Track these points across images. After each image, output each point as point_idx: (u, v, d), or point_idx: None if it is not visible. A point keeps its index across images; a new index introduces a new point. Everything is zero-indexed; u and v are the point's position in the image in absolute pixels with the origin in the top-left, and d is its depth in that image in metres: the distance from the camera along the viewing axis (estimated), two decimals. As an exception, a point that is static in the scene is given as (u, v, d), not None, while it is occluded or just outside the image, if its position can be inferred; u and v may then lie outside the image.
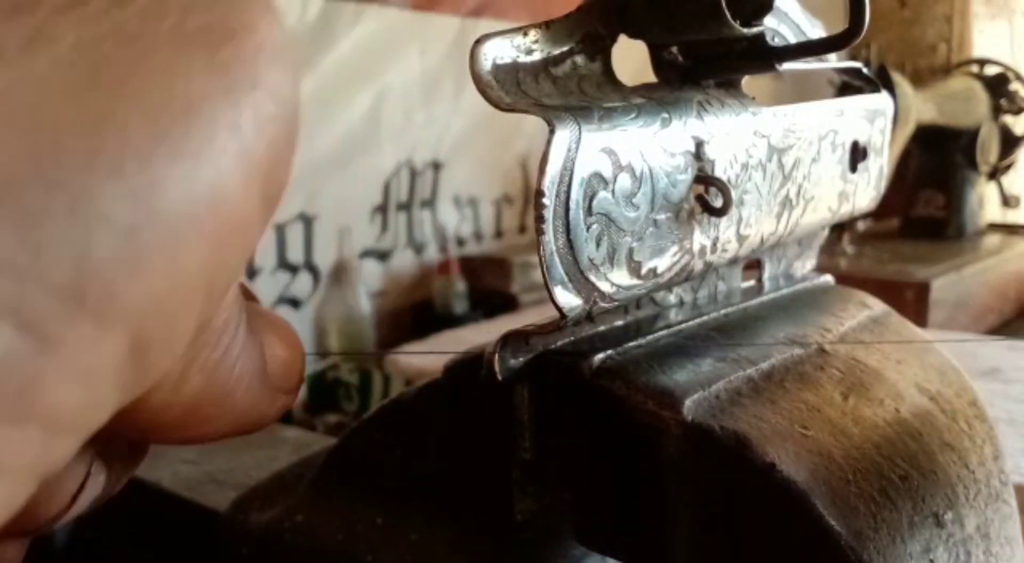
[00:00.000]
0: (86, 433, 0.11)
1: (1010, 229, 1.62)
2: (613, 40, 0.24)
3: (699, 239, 0.25)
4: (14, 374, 0.10)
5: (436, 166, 1.42)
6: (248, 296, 0.16)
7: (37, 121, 0.10)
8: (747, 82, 0.28)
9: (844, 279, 0.34)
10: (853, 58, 1.09)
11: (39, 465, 0.11)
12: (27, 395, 0.10)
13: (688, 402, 0.22)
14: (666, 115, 0.23)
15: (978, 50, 1.82)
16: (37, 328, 0.10)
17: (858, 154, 0.31)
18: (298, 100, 0.13)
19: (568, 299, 0.21)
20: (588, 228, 0.21)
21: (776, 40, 0.27)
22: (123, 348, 0.11)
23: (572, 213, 0.21)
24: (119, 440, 0.16)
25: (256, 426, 0.17)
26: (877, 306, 0.31)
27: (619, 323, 0.26)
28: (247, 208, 0.12)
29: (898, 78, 1.22)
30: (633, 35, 0.25)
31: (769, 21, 0.25)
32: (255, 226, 0.13)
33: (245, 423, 0.16)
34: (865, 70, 0.33)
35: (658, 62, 0.26)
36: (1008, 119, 1.54)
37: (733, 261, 0.27)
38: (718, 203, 0.24)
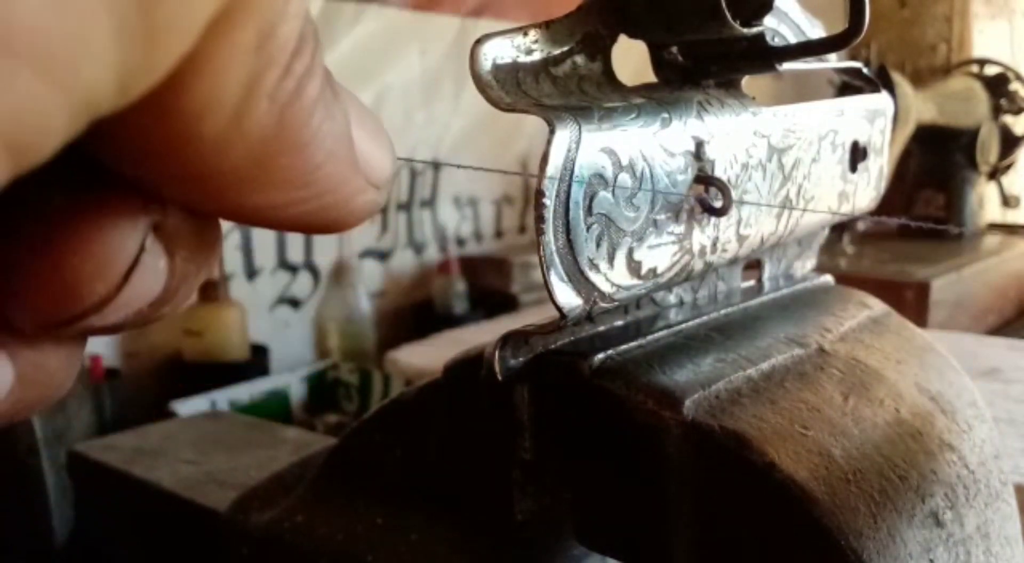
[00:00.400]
0: (76, 92, 0.08)
1: (1010, 229, 1.62)
2: (613, 40, 0.24)
3: (699, 239, 0.25)
4: None
5: (436, 166, 1.42)
6: None
7: None
8: (747, 82, 0.28)
9: (844, 279, 0.34)
10: (853, 58, 1.09)
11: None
12: None
13: (688, 402, 0.22)
14: (666, 115, 0.23)
15: (978, 50, 1.82)
16: None
17: (858, 154, 0.31)
18: None
19: (568, 299, 0.21)
20: (588, 228, 0.21)
21: (776, 40, 0.27)
22: None
23: (572, 213, 0.21)
24: (179, 215, 0.13)
25: (340, 217, 0.14)
26: (877, 306, 0.31)
27: (619, 323, 0.26)
28: None
29: (898, 78, 1.22)
30: (633, 35, 0.25)
31: (769, 21, 0.25)
32: None
33: (328, 206, 0.13)
34: (865, 70, 0.33)
35: (658, 62, 0.26)
36: (1008, 119, 1.54)
37: (733, 261, 0.27)
38: (718, 203, 0.24)
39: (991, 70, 1.56)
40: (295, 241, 1.25)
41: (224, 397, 0.97)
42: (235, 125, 0.11)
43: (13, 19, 0.08)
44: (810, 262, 0.34)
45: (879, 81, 0.33)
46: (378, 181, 0.14)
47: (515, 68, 0.22)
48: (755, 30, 0.24)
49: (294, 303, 1.25)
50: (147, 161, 0.11)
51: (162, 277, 0.13)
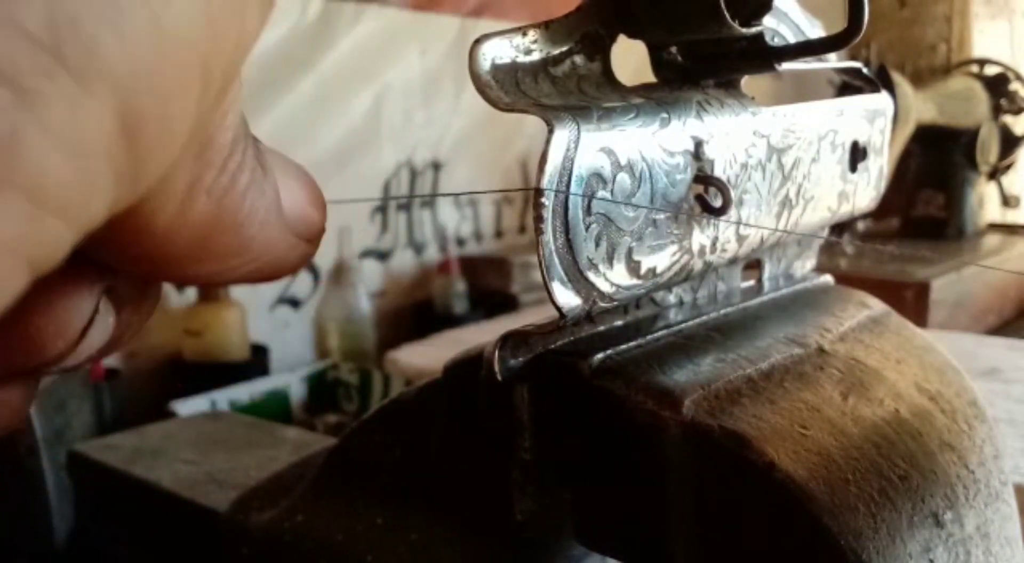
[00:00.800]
0: (80, 222, 0.11)
1: (1010, 229, 1.62)
2: (612, 40, 0.24)
3: (698, 239, 0.25)
4: None
5: (436, 166, 1.42)
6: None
7: None
8: (747, 82, 0.28)
9: (844, 279, 0.34)
10: (853, 58, 1.09)
11: (26, 246, 0.10)
12: (5, 153, 0.09)
13: (688, 402, 0.22)
14: (665, 115, 0.23)
15: (978, 50, 1.82)
16: (11, 77, 0.09)
17: (858, 154, 0.31)
18: None
19: (568, 299, 0.21)
20: (587, 228, 0.21)
21: (776, 40, 0.27)
22: (112, 120, 0.10)
23: (571, 213, 0.21)
24: (128, 280, 0.15)
25: (276, 272, 0.16)
26: (877, 306, 0.31)
27: (619, 323, 0.26)
28: None
29: (898, 78, 1.22)
30: (633, 35, 0.25)
31: (769, 21, 0.25)
32: (251, 10, 0.12)
33: (263, 266, 0.15)
34: (865, 70, 0.33)
35: (658, 62, 0.26)
36: (1008, 119, 1.54)
37: (733, 261, 0.27)
38: (717, 203, 0.24)
39: (991, 70, 1.56)
40: (295, 241, 1.24)
41: (224, 397, 0.97)
42: (180, 218, 0.13)
43: (44, 182, 0.10)
44: (810, 262, 0.34)
45: (879, 81, 0.33)
46: (309, 235, 0.16)
47: (514, 68, 0.22)
48: (754, 30, 0.24)
49: (294, 303, 1.25)
50: (104, 247, 0.13)
51: (110, 330, 0.15)
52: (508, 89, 0.21)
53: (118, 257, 0.14)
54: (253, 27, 0.12)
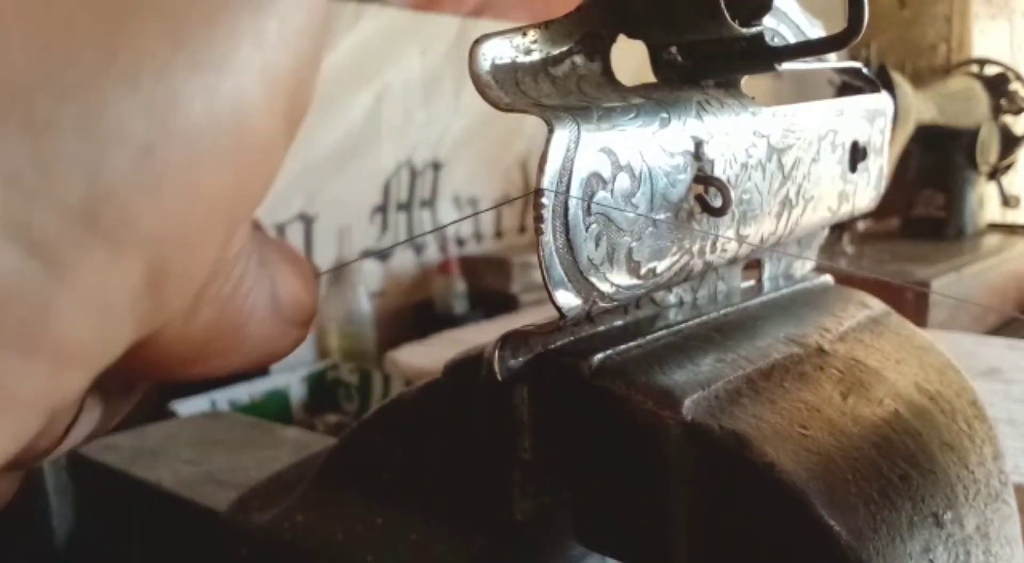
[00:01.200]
0: (98, 368, 0.11)
1: (1010, 229, 1.62)
2: (612, 40, 0.24)
3: (699, 239, 0.25)
4: (22, 300, 0.09)
5: (436, 166, 1.42)
6: (255, 225, 0.16)
7: (48, 22, 0.09)
8: (747, 82, 0.28)
9: (844, 279, 0.34)
10: (853, 58, 1.09)
11: (47, 399, 0.10)
12: (36, 324, 0.10)
13: (688, 402, 0.22)
14: (665, 115, 0.23)
15: (978, 50, 1.82)
16: (47, 251, 0.09)
17: (858, 154, 0.31)
18: (328, 13, 0.12)
19: (568, 299, 0.21)
20: (587, 228, 0.21)
21: (776, 40, 0.27)
22: (139, 277, 0.10)
23: (571, 213, 0.21)
24: (116, 375, 0.15)
25: (269, 360, 0.16)
26: (877, 306, 0.31)
27: (619, 323, 0.26)
28: (271, 129, 0.12)
29: (898, 78, 1.22)
30: (632, 35, 0.25)
31: (769, 21, 0.25)
32: (278, 150, 0.12)
33: (257, 358, 0.16)
34: (865, 70, 0.33)
35: (658, 62, 0.26)
36: (1008, 119, 1.54)
37: (733, 261, 0.27)
38: (717, 203, 0.24)
39: (991, 70, 1.56)
40: (294, 240, 1.25)
41: (224, 397, 0.97)
42: (184, 328, 0.13)
43: (69, 343, 0.10)
44: (810, 262, 0.34)
45: (879, 81, 0.33)
46: (303, 319, 0.16)
47: (514, 68, 0.22)
48: (754, 30, 0.24)
49: (294, 303, 1.25)
50: None
51: (96, 422, 0.15)
52: (508, 89, 0.21)
53: (116, 364, 0.14)
54: (279, 161, 0.12)
